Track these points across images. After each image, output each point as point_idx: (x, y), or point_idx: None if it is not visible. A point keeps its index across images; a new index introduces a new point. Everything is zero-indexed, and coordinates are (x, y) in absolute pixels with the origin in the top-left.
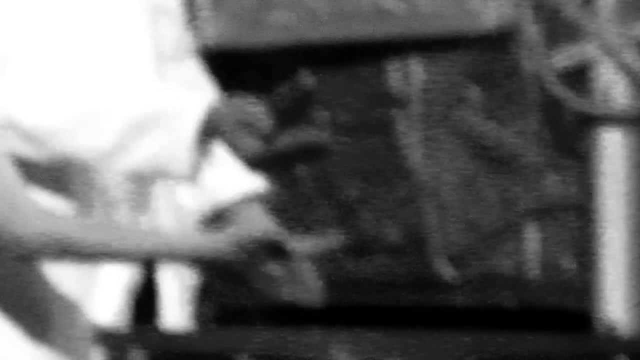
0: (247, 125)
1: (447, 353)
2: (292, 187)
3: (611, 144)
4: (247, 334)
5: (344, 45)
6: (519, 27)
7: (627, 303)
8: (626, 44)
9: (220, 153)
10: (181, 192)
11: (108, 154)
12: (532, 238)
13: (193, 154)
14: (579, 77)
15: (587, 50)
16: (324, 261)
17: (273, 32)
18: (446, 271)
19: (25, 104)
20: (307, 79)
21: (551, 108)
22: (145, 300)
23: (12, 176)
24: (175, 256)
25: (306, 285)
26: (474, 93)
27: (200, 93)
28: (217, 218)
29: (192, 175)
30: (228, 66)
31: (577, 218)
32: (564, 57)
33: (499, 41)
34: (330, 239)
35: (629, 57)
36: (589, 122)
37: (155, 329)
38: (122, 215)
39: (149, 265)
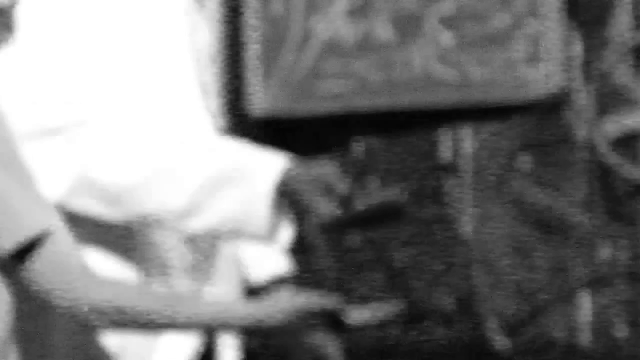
0: (324, 188)
1: None
2: (346, 256)
3: None
4: None
5: (395, 113)
6: (570, 95)
7: None
8: None
9: None
10: (242, 265)
11: (185, 211)
12: (584, 306)
13: (270, 212)
14: (630, 144)
15: (638, 118)
16: (377, 329)
17: (324, 101)
18: (498, 339)
19: (101, 162)
20: (398, 193)
21: (602, 176)
22: None
23: (74, 247)
24: (235, 325)
25: (331, 356)
26: (525, 161)
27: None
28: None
29: (269, 235)
30: (278, 136)
31: (629, 285)
32: (615, 125)
33: (550, 109)
34: (387, 309)
35: None
36: None
37: None
38: (181, 285)
39: (209, 334)
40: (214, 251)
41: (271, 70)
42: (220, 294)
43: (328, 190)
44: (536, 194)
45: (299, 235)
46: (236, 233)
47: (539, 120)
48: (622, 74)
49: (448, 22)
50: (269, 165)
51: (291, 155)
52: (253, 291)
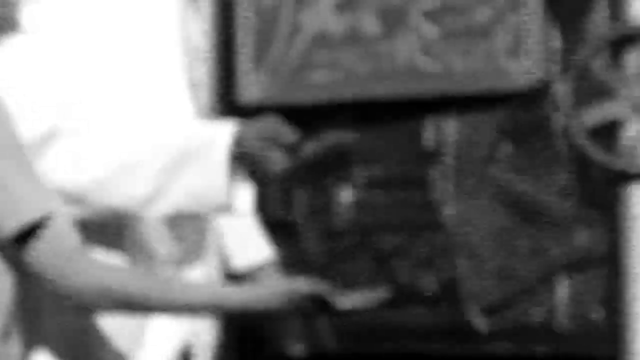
0: (273, 141)
1: None
2: (332, 241)
3: (638, 199)
4: None
5: (381, 103)
6: (549, 86)
7: None
8: None
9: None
10: (231, 253)
11: (148, 199)
12: (562, 289)
13: (228, 179)
14: (607, 134)
15: (614, 108)
16: (364, 312)
17: (313, 90)
18: (479, 321)
19: (62, 167)
20: (346, 137)
21: (580, 164)
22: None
23: (72, 232)
24: (228, 309)
25: (321, 338)
26: (506, 149)
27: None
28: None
29: (229, 203)
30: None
31: (605, 269)
32: (592, 115)
33: (530, 99)
34: (374, 294)
35: None
36: (617, 178)
37: None
38: (166, 274)
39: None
40: (200, 241)
41: (262, 61)
42: (204, 280)
43: (276, 142)
44: (516, 181)
45: (285, 220)
46: (199, 208)
47: (519, 110)
48: (599, 67)
49: (432, 16)
50: (220, 134)
51: (241, 121)
52: (234, 278)
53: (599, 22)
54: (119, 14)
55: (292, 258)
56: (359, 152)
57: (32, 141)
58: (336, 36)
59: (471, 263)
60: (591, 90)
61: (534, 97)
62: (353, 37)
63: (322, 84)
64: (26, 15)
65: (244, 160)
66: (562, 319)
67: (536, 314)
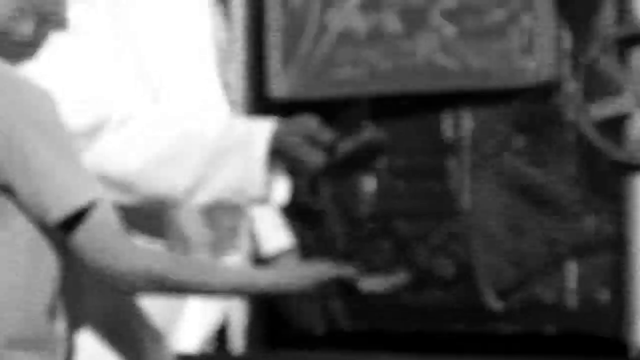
0: (310, 140)
1: None
2: (354, 227)
3: None
4: (313, 357)
5: (402, 97)
6: (560, 82)
7: None
8: None
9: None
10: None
11: (191, 189)
12: (571, 271)
13: (266, 173)
14: (614, 127)
15: (621, 103)
16: (385, 294)
17: (338, 86)
18: (493, 301)
19: (112, 157)
20: (375, 131)
21: (589, 155)
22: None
23: (115, 219)
24: (259, 291)
25: (334, 317)
26: (519, 141)
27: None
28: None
29: (266, 195)
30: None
31: (611, 253)
32: (600, 110)
33: (542, 95)
34: (395, 278)
35: None
36: (623, 168)
37: (227, 354)
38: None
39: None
40: (234, 229)
41: (290, 58)
42: (234, 264)
43: (313, 140)
44: (528, 171)
45: (311, 207)
46: (237, 198)
47: (531, 105)
48: (607, 63)
49: (450, 16)
50: (260, 130)
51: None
52: (259, 263)
53: (607, 22)
54: (156, 14)
55: (317, 243)
56: (382, 144)
57: (82, 131)
58: (360, 34)
59: (486, 247)
60: (599, 86)
61: (546, 92)
62: (376, 36)
63: (347, 80)
64: (74, 13)
65: (281, 156)
66: (571, 299)
67: (547, 295)
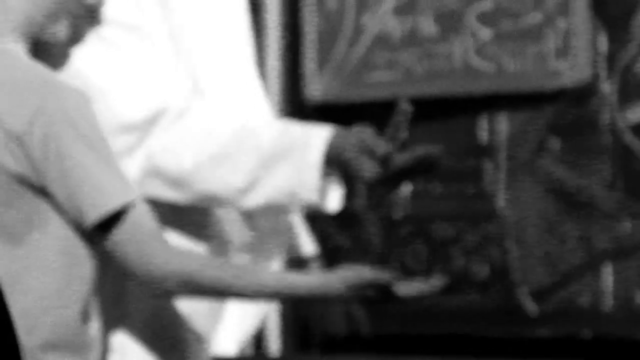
0: (366, 151)
1: None
2: (390, 230)
3: None
4: None
5: (437, 100)
6: (596, 85)
7: None
8: None
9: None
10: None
11: (243, 189)
12: (607, 274)
13: (320, 179)
14: None
15: None
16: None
17: (373, 89)
18: (528, 305)
19: (168, 152)
20: (431, 147)
21: (624, 158)
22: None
23: (151, 221)
24: (296, 295)
25: (356, 321)
26: (555, 143)
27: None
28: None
29: (319, 201)
30: (331, 119)
31: None
32: (636, 112)
33: (577, 97)
34: (432, 282)
35: None
36: None
37: (264, 356)
38: (239, 260)
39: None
40: (273, 232)
41: (326, 61)
42: (271, 268)
43: (369, 152)
44: (564, 173)
45: (347, 209)
46: (291, 203)
47: (567, 107)
48: None
49: (485, 19)
50: (316, 136)
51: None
52: (294, 265)
53: None
54: (200, 10)
55: (353, 246)
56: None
57: (137, 125)
58: (395, 37)
59: (521, 250)
60: (635, 89)
61: (582, 95)
62: (411, 39)
63: (382, 83)
64: (123, 7)
65: (336, 164)
66: (607, 303)
67: (583, 298)
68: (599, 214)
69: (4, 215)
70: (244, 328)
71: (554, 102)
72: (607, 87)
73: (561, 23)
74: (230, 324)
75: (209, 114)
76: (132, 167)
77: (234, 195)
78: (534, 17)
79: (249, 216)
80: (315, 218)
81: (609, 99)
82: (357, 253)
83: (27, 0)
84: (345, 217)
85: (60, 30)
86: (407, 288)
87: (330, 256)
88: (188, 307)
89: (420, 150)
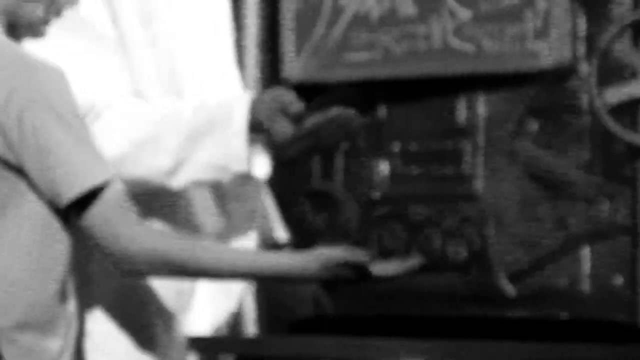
0: (281, 111)
1: None
2: (367, 211)
3: None
4: (321, 342)
5: (416, 81)
6: (575, 66)
7: None
8: None
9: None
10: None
11: (171, 170)
12: (585, 256)
13: (247, 147)
14: (628, 111)
15: (637, 87)
16: (398, 279)
17: (351, 69)
18: (506, 286)
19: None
20: (347, 110)
21: (603, 140)
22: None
23: (127, 200)
24: (271, 274)
25: (321, 303)
26: (533, 125)
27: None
28: None
29: (249, 168)
30: (310, 100)
31: (625, 239)
32: (615, 94)
33: (556, 78)
34: (409, 263)
35: None
36: (637, 153)
37: (240, 337)
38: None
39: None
40: (247, 217)
41: (305, 41)
42: (245, 248)
43: (283, 111)
44: (542, 155)
45: (324, 191)
46: (220, 175)
47: (545, 89)
48: (622, 48)
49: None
50: (237, 104)
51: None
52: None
53: (621, 6)
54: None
55: (330, 227)
56: (394, 127)
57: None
58: (374, 18)
59: (499, 232)
60: (614, 71)
61: (560, 76)
62: (390, 19)
63: (361, 63)
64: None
65: (257, 129)
66: (585, 284)
67: (560, 280)
68: (577, 196)
69: None
70: (218, 308)
71: (532, 84)
72: (586, 69)
73: (540, 4)
74: (203, 305)
75: (134, 106)
76: None
77: (163, 176)
78: None
79: (221, 202)
80: (292, 200)
81: (587, 81)
82: (334, 234)
83: None
84: (322, 198)
85: (37, 9)
86: (383, 268)
87: (307, 237)
88: (159, 288)
89: (335, 111)
